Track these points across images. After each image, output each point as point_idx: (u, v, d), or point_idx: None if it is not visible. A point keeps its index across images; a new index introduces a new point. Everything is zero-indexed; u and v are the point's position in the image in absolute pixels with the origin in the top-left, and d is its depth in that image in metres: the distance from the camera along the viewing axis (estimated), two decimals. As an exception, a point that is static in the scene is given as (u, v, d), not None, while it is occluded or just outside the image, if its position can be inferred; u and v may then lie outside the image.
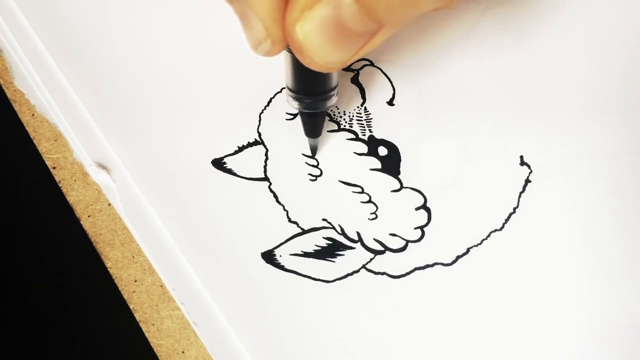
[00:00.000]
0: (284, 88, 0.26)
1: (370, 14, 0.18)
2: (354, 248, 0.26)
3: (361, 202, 0.26)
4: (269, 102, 0.28)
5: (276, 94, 0.28)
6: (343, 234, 0.26)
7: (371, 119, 0.28)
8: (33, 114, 0.29)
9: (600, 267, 0.25)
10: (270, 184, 0.27)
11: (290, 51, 0.23)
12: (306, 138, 0.27)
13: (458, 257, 0.25)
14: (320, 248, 0.26)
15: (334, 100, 0.25)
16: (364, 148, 0.27)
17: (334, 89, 0.25)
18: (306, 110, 0.25)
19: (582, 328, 0.24)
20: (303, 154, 0.27)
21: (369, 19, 0.18)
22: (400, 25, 0.20)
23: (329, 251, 0.26)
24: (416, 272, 0.25)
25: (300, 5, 0.19)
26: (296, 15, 0.19)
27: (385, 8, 0.18)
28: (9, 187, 0.29)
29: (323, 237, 0.26)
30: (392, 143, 0.27)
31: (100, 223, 0.27)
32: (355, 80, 0.29)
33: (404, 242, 0.26)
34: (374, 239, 0.26)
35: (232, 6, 0.21)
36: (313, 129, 0.26)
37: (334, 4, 0.18)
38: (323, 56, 0.20)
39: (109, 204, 0.28)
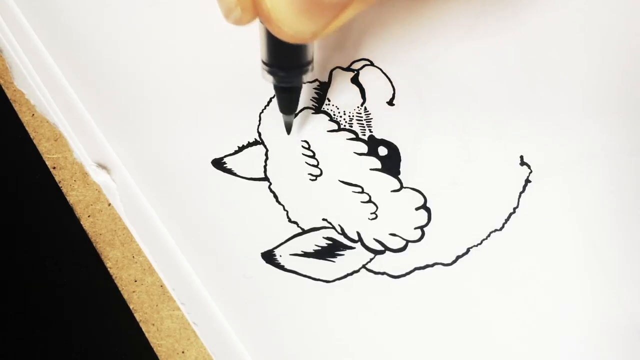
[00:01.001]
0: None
1: None
2: (354, 248, 0.26)
3: (361, 202, 0.26)
4: (269, 102, 0.28)
5: (276, 94, 0.28)
6: (343, 233, 0.26)
7: (371, 119, 0.28)
8: (33, 114, 0.29)
9: (600, 267, 0.25)
10: (270, 184, 0.27)
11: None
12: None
13: (458, 257, 0.25)
14: (320, 248, 0.26)
15: (309, 75, 0.25)
16: (364, 148, 0.27)
17: (309, 62, 0.24)
18: (281, 85, 0.25)
19: (582, 328, 0.24)
20: (303, 154, 0.27)
21: None
22: None
23: (329, 251, 0.26)
24: (416, 272, 0.25)
25: None
26: None
27: None
28: (9, 187, 0.29)
29: (323, 237, 0.26)
30: (392, 143, 0.27)
31: (100, 223, 0.27)
32: (355, 80, 0.29)
33: (404, 242, 0.26)
34: (374, 239, 0.26)
35: None
36: (288, 105, 0.26)
37: None
38: (292, 26, 0.19)
39: (109, 204, 0.28)
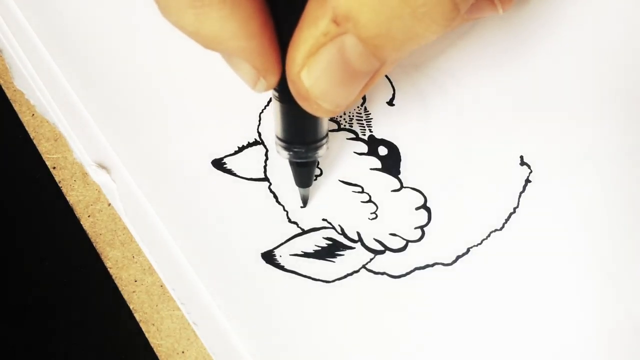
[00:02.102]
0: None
1: (375, 52, 0.18)
2: (354, 248, 0.26)
3: (361, 202, 0.26)
4: (268, 102, 0.28)
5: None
6: (343, 234, 0.26)
7: (371, 118, 0.28)
8: (33, 114, 0.29)
9: (601, 267, 0.25)
10: (270, 184, 0.27)
11: (280, 100, 0.22)
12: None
13: (458, 257, 0.25)
14: (320, 248, 0.26)
15: (324, 149, 0.24)
16: (364, 148, 0.27)
17: (325, 136, 0.24)
18: (297, 160, 0.25)
19: (582, 328, 0.24)
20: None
21: (374, 57, 0.18)
22: (401, 59, 0.20)
23: (329, 251, 0.26)
24: (416, 272, 0.25)
25: (304, 52, 0.18)
26: (300, 63, 0.18)
27: (389, 46, 0.18)
28: (9, 187, 0.29)
29: (323, 237, 0.26)
30: (392, 143, 0.27)
31: (100, 223, 0.27)
32: (355, 80, 0.29)
33: (404, 242, 0.26)
34: (374, 238, 0.26)
35: (218, 53, 0.20)
36: (304, 178, 0.26)
37: (338, 46, 0.18)
38: (331, 101, 0.19)
39: (109, 204, 0.28)
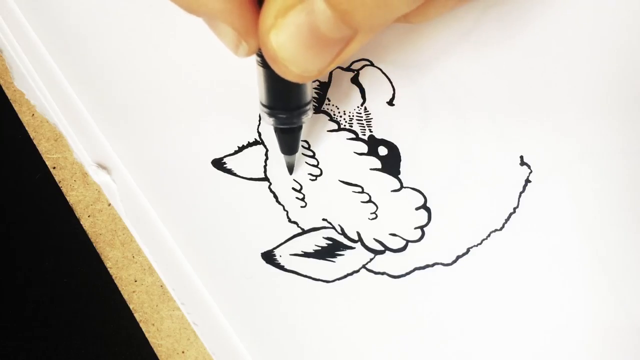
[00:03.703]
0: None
1: (344, 19, 0.18)
2: (354, 248, 0.26)
3: (361, 202, 0.26)
4: (269, 102, 0.28)
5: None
6: (343, 233, 0.26)
7: (371, 119, 0.28)
8: (33, 114, 0.29)
9: (601, 267, 0.25)
10: (270, 184, 0.27)
11: (261, 64, 0.22)
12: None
13: (458, 257, 0.25)
14: (320, 248, 0.26)
15: (309, 114, 0.24)
16: (364, 148, 0.27)
17: (308, 103, 0.24)
18: (281, 126, 0.25)
19: (582, 328, 0.24)
20: (303, 154, 0.27)
21: (344, 24, 0.18)
22: (376, 30, 0.19)
23: (329, 251, 0.26)
24: (416, 272, 0.25)
25: (273, 13, 0.18)
26: (270, 23, 0.18)
27: (359, 12, 0.18)
28: (9, 187, 0.29)
29: (323, 237, 0.26)
30: (392, 143, 0.27)
31: (100, 223, 0.27)
32: (355, 80, 0.29)
33: (404, 242, 0.26)
34: (374, 238, 0.26)
35: (200, 17, 0.20)
36: (289, 145, 0.26)
37: (308, 10, 0.18)
38: (299, 65, 0.19)
39: (109, 204, 0.28)
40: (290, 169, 0.27)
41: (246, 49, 0.20)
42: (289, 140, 0.26)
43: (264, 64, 0.22)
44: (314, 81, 0.28)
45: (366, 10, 0.18)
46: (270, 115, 0.24)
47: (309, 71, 0.20)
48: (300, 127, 0.25)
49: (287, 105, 0.24)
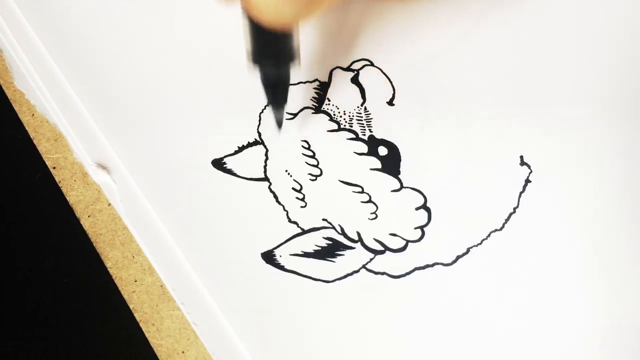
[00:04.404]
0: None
1: None
2: (354, 248, 0.26)
3: (361, 202, 0.26)
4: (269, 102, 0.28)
5: (276, 94, 0.28)
6: (343, 234, 0.26)
7: (371, 119, 0.28)
8: (33, 114, 0.29)
9: (601, 267, 0.25)
10: (270, 184, 0.27)
11: (246, 15, 0.22)
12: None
13: (458, 257, 0.25)
14: (320, 248, 0.26)
15: (296, 65, 0.24)
16: (364, 148, 0.27)
17: (294, 52, 0.24)
18: (268, 77, 0.24)
19: (582, 328, 0.24)
20: (303, 154, 0.27)
21: None
22: None
23: (329, 251, 0.26)
24: (416, 272, 0.25)
25: None
26: None
27: None
28: (9, 187, 0.29)
29: (323, 237, 0.26)
30: (392, 143, 0.27)
31: (100, 223, 0.27)
32: (355, 80, 0.29)
33: (404, 242, 0.26)
34: (374, 238, 0.26)
35: None
36: (277, 97, 0.26)
37: None
38: (271, 9, 0.19)
39: (109, 204, 0.28)
40: (280, 123, 0.27)
41: None
42: (276, 92, 0.25)
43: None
44: (313, 81, 0.28)
45: None
46: (257, 64, 0.24)
47: (283, 17, 0.19)
48: (287, 78, 0.25)
49: (274, 54, 0.23)
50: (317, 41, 0.29)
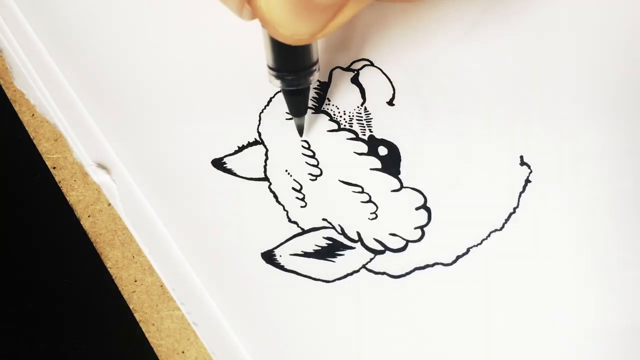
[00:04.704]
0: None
1: None
2: (354, 248, 0.26)
3: (361, 202, 0.26)
4: (269, 102, 0.28)
5: (276, 93, 0.28)
6: (343, 233, 0.26)
7: (371, 118, 0.28)
8: (33, 114, 0.29)
9: (600, 267, 0.25)
10: (270, 183, 0.27)
11: None
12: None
13: (458, 257, 0.25)
14: (320, 248, 0.26)
15: (316, 76, 0.25)
16: (364, 148, 0.27)
17: (315, 63, 0.24)
18: (289, 88, 0.25)
19: (582, 328, 0.24)
20: (303, 154, 0.27)
21: None
22: None
23: (329, 251, 0.26)
24: (416, 272, 0.25)
25: None
26: None
27: None
28: (9, 187, 0.29)
29: (323, 237, 0.26)
30: (392, 143, 0.27)
31: (100, 223, 0.27)
32: (355, 80, 0.29)
33: (404, 242, 0.26)
34: (374, 238, 0.26)
35: None
36: (298, 107, 0.26)
37: None
38: (288, 27, 0.19)
39: (109, 204, 0.28)
40: (300, 131, 0.27)
41: (250, 11, 0.20)
42: (298, 102, 0.26)
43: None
44: (315, 81, 0.28)
45: None
46: (278, 77, 0.24)
47: (299, 34, 0.19)
48: (308, 89, 0.25)
49: (294, 66, 0.24)
50: (317, 41, 0.29)
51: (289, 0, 0.18)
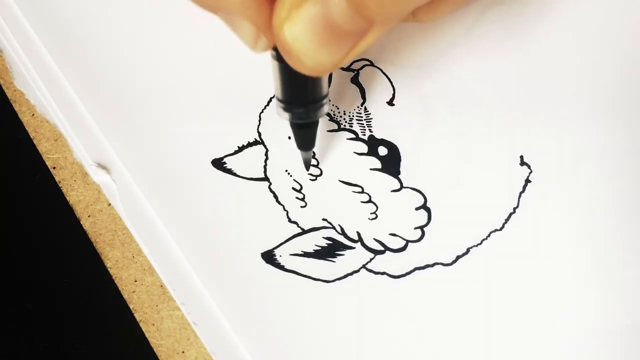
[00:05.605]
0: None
1: (360, 11, 0.17)
2: (354, 248, 0.26)
3: (361, 202, 0.26)
4: (269, 102, 0.28)
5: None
6: (343, 233, 0.26)
7: (371, 118, 0.28)
8: (33, 114, 0.29)
9: (601, 267, 0.25)
10: (270, 183, 0.27)
11: (277, 58, 0.22)
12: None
13: (458, 257, 0.25)
14: (320, 248, 0.26)
15: (326, 109, 0.24)
16: (364, 148, 0.27)
17: (325, 96, 0.24)
18: (298, 121, 0.24)
19: (582, 328, 0.24)
20: (303, 154, 0.27)
21: (359, 16, 0.18)
22: (391, 22, 0.19)
23: (329, 251, 0.26)
24: (416, 272, 0.25)
25: (287, 5, 0.18)
26: (284, 15, 0.18)
27: (374, 3, 0.17)
28: (9, 187, 0.29)
29: (323, 237, 0.26)
30: (392, 143, 0.27)
31: (100, 223, 0.27)
32: (355, 80, 0.29)
33: (404, 242, 0.26)
34: (374, 238, 0.26)
35: (218, 15, 0.20)
36: (306, 140, 0.25)
37: (322, 1, 0.17)
38: (313, 58, 0.19)
39: (109, 204, 0.28)
40: (307, 165, 0.27)
41: (265, 43, 0.20)
42: (306, 136, 0.25)
43: (279, 58, 0.22)
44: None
45: (381, 1, 0.17)
46: (286, 110, 0.24)
47: (323, 64, 0.19)
48: (316, 122, 0.25)
49: (304, 99, 0.23)
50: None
51: (314, 27, 0.18)
